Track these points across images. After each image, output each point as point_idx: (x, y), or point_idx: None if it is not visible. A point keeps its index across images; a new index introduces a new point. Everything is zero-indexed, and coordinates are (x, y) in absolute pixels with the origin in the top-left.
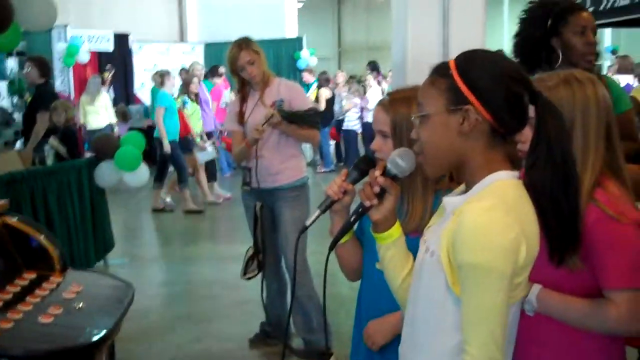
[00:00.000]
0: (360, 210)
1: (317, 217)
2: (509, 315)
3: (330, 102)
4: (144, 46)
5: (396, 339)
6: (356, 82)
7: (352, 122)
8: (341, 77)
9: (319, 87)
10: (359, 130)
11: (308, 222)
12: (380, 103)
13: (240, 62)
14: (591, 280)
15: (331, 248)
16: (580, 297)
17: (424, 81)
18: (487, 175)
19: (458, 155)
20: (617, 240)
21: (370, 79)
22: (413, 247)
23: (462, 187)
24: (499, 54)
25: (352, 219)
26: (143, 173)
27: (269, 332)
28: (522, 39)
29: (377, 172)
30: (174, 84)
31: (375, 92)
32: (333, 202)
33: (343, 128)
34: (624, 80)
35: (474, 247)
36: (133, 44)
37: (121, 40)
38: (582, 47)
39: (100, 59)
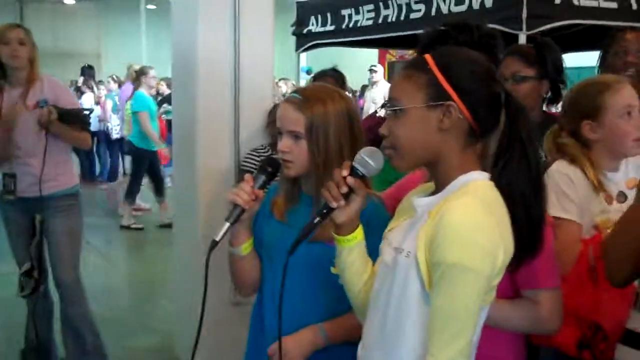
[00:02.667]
0: (324, 211)
1: (228, 229)
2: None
3: None
4: None
5: (313, 355)
6: (72, 88)
7: None
8: None
9: None
10: None
11: (218, 237)
12: (290, 101)
13: (10, 35)
14: (507, 281)
15: (290, 253)
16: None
17: (396, 75)
18: (461, 175)
19: (434, 152)
20: None
21: (85, 86)
22: (332, 254)
23: (429, 186)
24: (474, 52)
25: (316, 220)
26: None
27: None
28: None
29: (345, 172)
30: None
31: (89, 98)
32: (243, 211)
33: None
34: None
35: (455, 246)
36: None
37: None
38: None
39: None
